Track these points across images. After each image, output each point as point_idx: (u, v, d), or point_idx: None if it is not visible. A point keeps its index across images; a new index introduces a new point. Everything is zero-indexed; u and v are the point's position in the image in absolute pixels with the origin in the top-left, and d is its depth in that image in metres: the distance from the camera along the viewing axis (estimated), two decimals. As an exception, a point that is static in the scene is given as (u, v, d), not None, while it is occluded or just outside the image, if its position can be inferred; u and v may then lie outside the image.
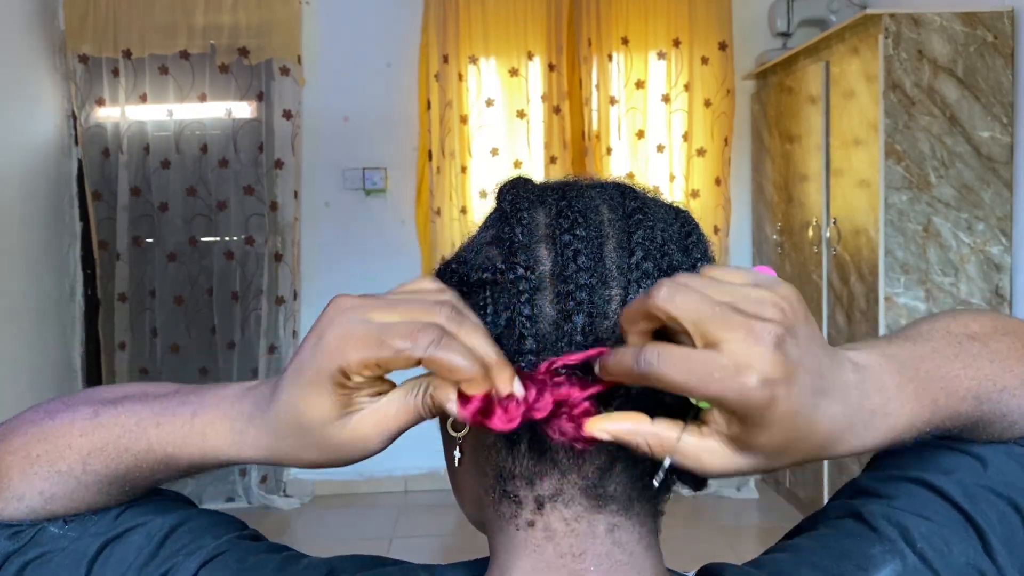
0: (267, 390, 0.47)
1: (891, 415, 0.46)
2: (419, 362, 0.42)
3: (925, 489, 0.54)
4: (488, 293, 0.49)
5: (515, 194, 0.51)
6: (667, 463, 0.44)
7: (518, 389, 0.44)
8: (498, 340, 0.47)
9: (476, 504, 0.54)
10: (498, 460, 0.50)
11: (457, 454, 0.52)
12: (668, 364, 0.40)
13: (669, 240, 0.50)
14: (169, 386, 0.53)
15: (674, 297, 0.40)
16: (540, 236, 0.49)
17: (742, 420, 0.41)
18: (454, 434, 0.50)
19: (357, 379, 0.43)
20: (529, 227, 0.49)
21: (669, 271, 0.48)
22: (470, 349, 0.43)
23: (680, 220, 0.53)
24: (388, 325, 0.43)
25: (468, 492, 0.55)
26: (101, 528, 0.52)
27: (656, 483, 0.46)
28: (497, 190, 0.53)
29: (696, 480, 0.50)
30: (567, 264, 0.48)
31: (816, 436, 0.42)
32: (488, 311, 0.48)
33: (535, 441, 0.48)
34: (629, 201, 0.51)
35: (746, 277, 0.43)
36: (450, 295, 0.46)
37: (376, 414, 0.44)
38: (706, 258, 0.52)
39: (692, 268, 0.49)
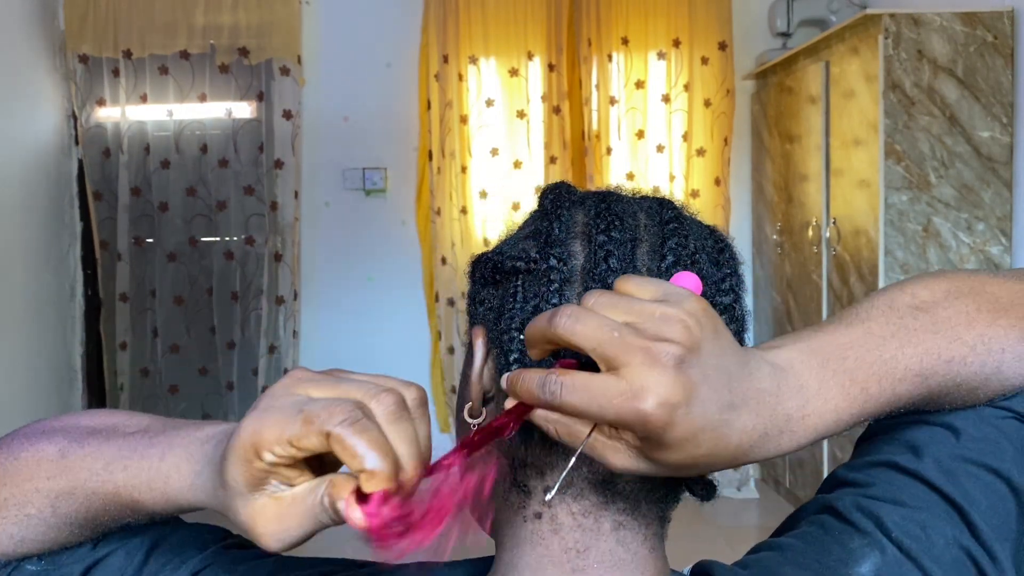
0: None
1: (811, 415, 0.45)
2: (328, 438, 0.36)
3: (898, 472, 0.53)
4: (520, 281, 0.50)
5: (557, 194, 0.53)
6: (571, 462, 0.45)
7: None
8: (523, 325, 0.48)
9: (487, 500, 0.54)
10: (511, 448, 0.50)
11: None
12: (570, 393, 0.40)
13: (701, 250, 0.51)
14: (141, 419, 0.51)
15: (575, 325, 0.41)
16: (577, 233, 0.51)
17: (643, 439, 0.41)
18: (470, 420, 0.51)
19: (268, 456, 0.37)
20: (567, 224, 0.51)
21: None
22: (388, 445, 0.37)
23: (714, 237, 0.54)
24: (315, 400, 0.38)
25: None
26: (79, 556, 0.52)
27: (554, 490, 0.48)
28: (540, 192, 0.54)
29: (705, 490, 0.50)
30: (599, 262, 0.49)
31: (726, 449, 0.42)
32: (518, 297, 0.50)
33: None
34: (667, 211, 0.52)
35: (655, 291, 0.43)
36: (414, 392, 0.41)
37: (276, 505, 0.38)
38: (736, 275, 0.52)
39: (721, 281, 0.51)
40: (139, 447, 0.47)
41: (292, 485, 0.38)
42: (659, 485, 0.51)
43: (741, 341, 0.51)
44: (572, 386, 0.40)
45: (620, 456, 0.43)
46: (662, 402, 0.39)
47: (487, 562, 0.54)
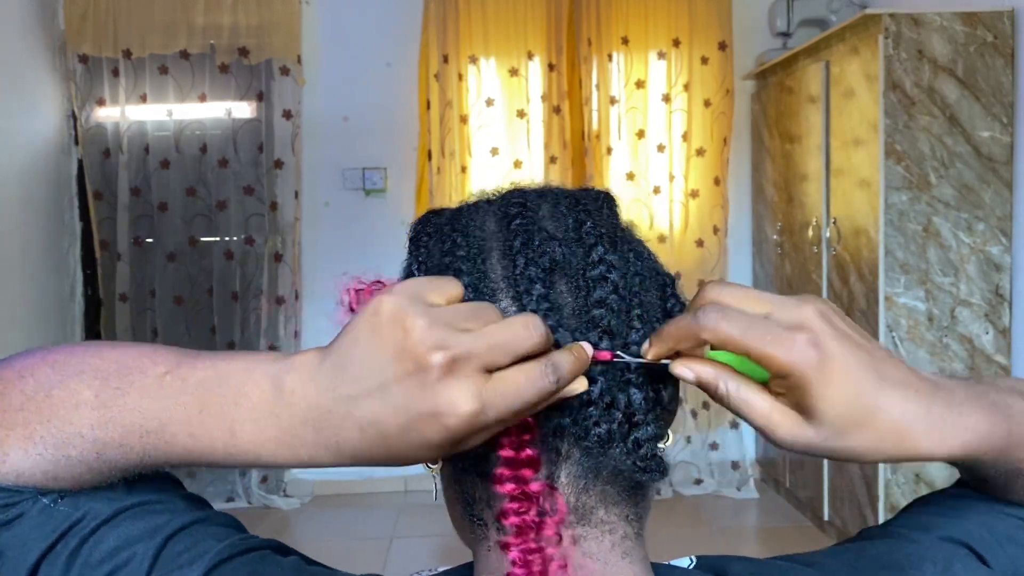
0: (340, 407, 0.43)
1: (966, 415, 0.46)
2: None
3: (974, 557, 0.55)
4: None
5: (416, 232, 0.54)
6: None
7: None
8: None
9: (459, 528, 0.55)
10: (462, 487, 0.51)
11: (437, 483, 0.54)
12: (728, 321, 0.43)
13: (552, 239, 0.50)
14: (160, 360, 0.47)
15: (720, 322, 0.43)
16: (432, 268, 0.51)
17: (799, 384, 0.43)
18: (427, 469, 0.53)
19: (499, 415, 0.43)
20: (425, 263, 0.52)
21: (554, 270, 0.49)
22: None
23: (576, 211, 0.52)
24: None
25: (453, 518, 0.56)
26: (108, 496, 0.49)
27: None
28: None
29: (652, 466, 0.50)
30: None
31: (884, 421, 0.44)
32: None
33: (481, 465, 0.49)
34: (512, 207, 0.52)
35: (768, 306, 0.45)
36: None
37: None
38: (609, 238, 0.51)
39: (587, 257, 0.50)
40: (192, 411, 0.45)
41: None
42: (610, 486, 0.50)
43: (666, 308, 0.52)
44: (730, 314, 0.43)
45: (786, 420, 0.44)
46: (812, 338, 0.42)
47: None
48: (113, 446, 0.46)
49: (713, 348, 0.46)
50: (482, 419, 0.41)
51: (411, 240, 0.54)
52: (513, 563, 0.45)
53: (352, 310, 0.47)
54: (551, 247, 0.49)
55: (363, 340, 0.42)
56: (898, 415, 0.44)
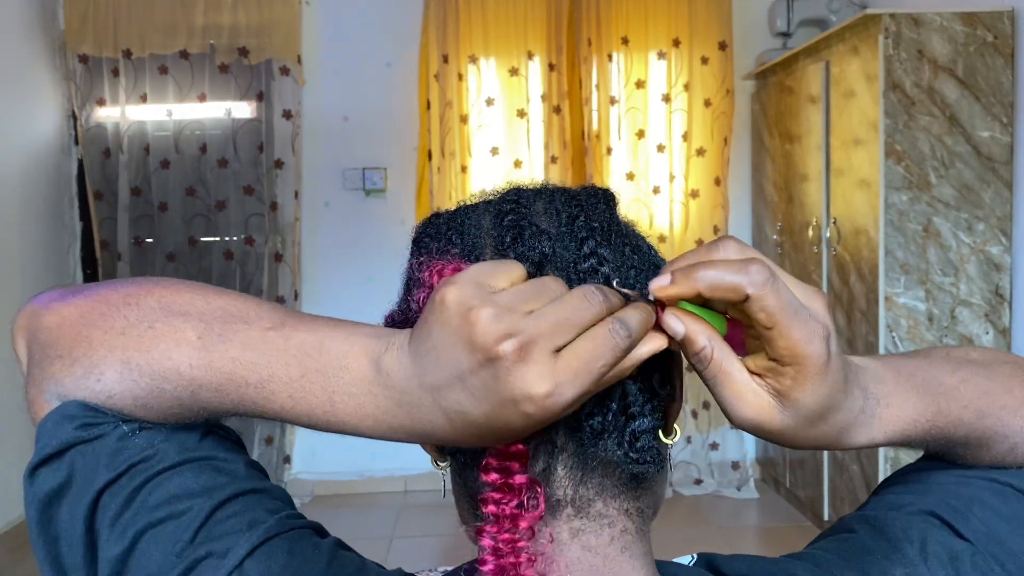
0: (436, 400, 0.43)
1: (893, 406, 0.48)
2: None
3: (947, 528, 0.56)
4: None
5: (417, 235, 0.55)
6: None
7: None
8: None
9: (465, 523, 0.55)
10: (466, 482, 0.52)
11: (446, 480, 0.54)
12: (776, 291, 0.42)
13: (543, 233, 0.50)
14: (264, 315, 0.48)
15: (769, 295, 0.42)
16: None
17: (797, 371, 0.43)
18: (436, 468, 0.54)
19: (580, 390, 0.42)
20: (427, 265, 0.52)
21: (544, 264, 0.49)
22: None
23: (570, 206, 0.52)
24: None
25: (460, 514, 0.56)
26: (180, 444, 0.49)
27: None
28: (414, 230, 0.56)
29: (654, 460, 0.50)
30: None
31: (837, 419, 0.46)
32: None
33: (480, 459, 0.49)
34: (506, 204, 0.52)
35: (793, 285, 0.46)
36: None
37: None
38: (602, 231, 0.51)
39: (579, 250, 0.50)
40: (295, 375, 0.46)
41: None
42: (607, 479, 0.50)
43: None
44: (779, 287, 0.43)
45: (757, 399, 0.45)
46: (828, 339, 0.43)
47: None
48: (210, 389, 0.47)
49: (743, 307, 0.44)
50: (558, 399, 0.41)
51: (413, 241, 0.55)
52: (484, 550, 0.45)
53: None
54: (541, 241, 0.49)
55: (435, 332, 0.42)
56: (847, 414, 0.46)
